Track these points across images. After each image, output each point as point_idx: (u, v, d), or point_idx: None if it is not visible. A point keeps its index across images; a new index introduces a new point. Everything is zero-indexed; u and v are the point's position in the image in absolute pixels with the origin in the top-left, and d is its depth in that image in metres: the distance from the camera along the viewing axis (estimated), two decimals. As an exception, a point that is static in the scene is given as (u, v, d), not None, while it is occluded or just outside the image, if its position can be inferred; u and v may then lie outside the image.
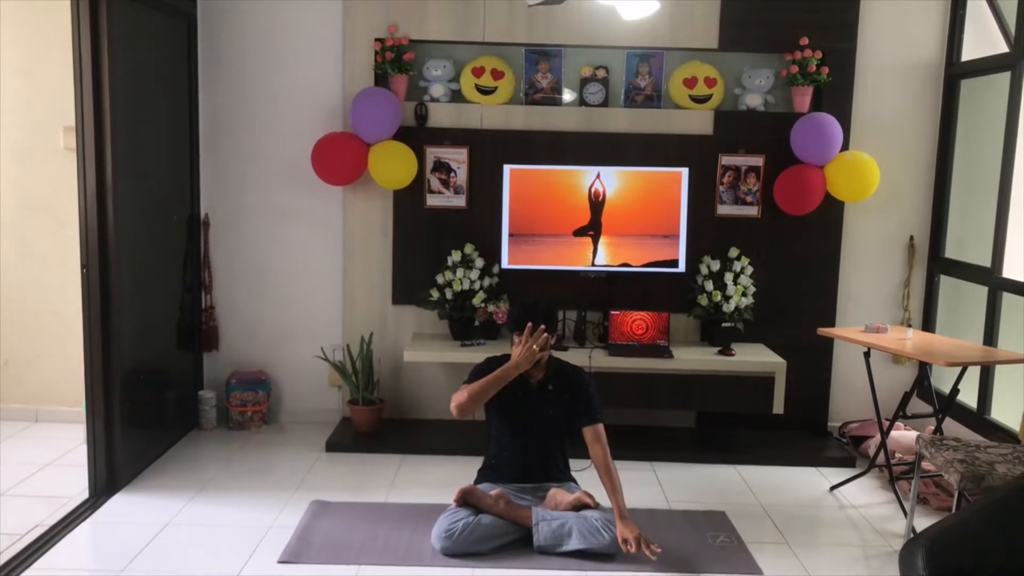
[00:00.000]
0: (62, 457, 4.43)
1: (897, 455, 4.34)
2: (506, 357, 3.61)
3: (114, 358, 3.96)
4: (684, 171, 4.70)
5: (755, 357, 4.60)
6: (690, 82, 4.78)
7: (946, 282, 4.93)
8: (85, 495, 3.90)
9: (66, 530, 3.58)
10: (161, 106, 4.50)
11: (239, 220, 4.95)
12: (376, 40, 4.72)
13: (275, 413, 5.06)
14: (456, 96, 4.84)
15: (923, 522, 3.49)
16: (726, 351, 4.63)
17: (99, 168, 3.84)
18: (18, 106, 4.74)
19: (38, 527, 3.58)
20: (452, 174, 4.81)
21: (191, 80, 4.76)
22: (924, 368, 4.30)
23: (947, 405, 4.08)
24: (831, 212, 4.83)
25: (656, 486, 4.26)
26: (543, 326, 3.51)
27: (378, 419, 4.80)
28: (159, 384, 4.55)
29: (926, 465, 3.87)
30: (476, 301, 4.69)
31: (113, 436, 3.98)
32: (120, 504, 3.88)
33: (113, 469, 3.99)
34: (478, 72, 4.77)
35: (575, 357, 4.40)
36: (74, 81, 3.79)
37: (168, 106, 4.58)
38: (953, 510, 3.44)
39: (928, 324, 4.97)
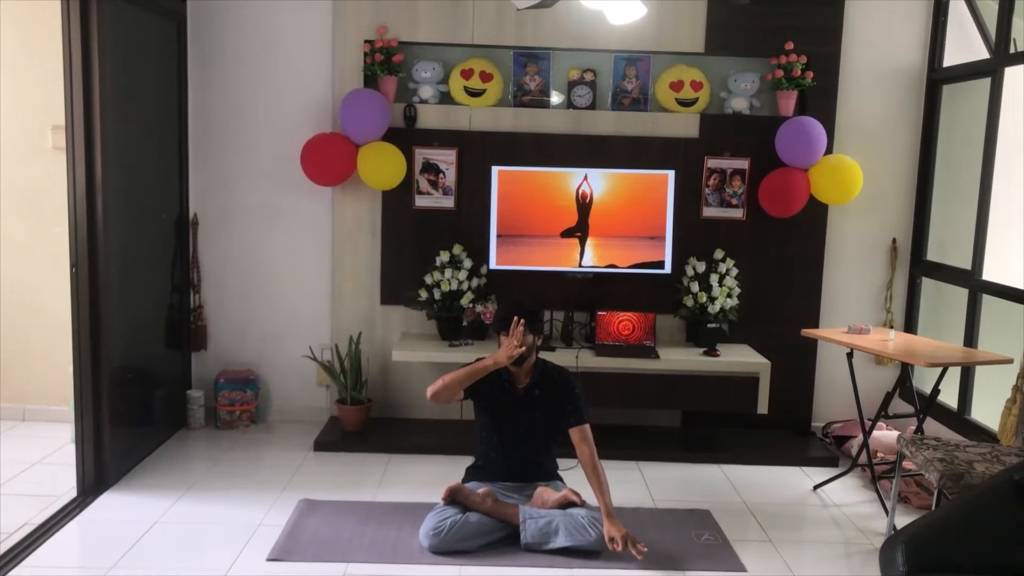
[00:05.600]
0: (50, 456, 4.43)
1: (879, 454, 4.40)
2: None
3: (103, 357, 3.96)
4: (670, 173, 4.75)
5: (740, 357, 4.65)
6: (676, 85, 4.83)
7: (927, 284, 5.00)
8: (73, 494, 3.91)
9: (54, 529, 3.59)
10: (151, 105, 4.50)
11: (228, 220, 4.96)
12: (365, 41, 4.75)
13: (263, 412, 5.07)
14: (445, 98, 4.87)
15: (904, 520, 3.53)
16: (711, 351, 4.67)
17: (88, 167, 3.85)
18: (6, 104, 4.73)
19: (26, 525, 3.59)
20: (441, 175, 4.84)
21: (181, 80, 4.77)
22: (906, 369, 4.36)
23: (928, 405, 4.14)
24: (815, 215, 4.88)
25: (642, 485, 4.30)
26: (517, 317, 3.54)
27: (366, 418, 4.82)
28: (147, 383, 4.55)
29: (907, 464, 3.93)
30: (464, 301, 4.72)
31: (101, 435, 3.99)
32: (108, 503, 3.89)
33: (101, 468, 4.00)
34: (467, 74, 4.80)
35: (562, 357, 4.44)
36: (64, 80, 3.80)
37: (158, 105, 4.59)
38: (933, 508, 3.50)
39: (910, 326, 5.04)
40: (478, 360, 3.64)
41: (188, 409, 4.89)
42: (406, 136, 4.79)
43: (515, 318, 3.54)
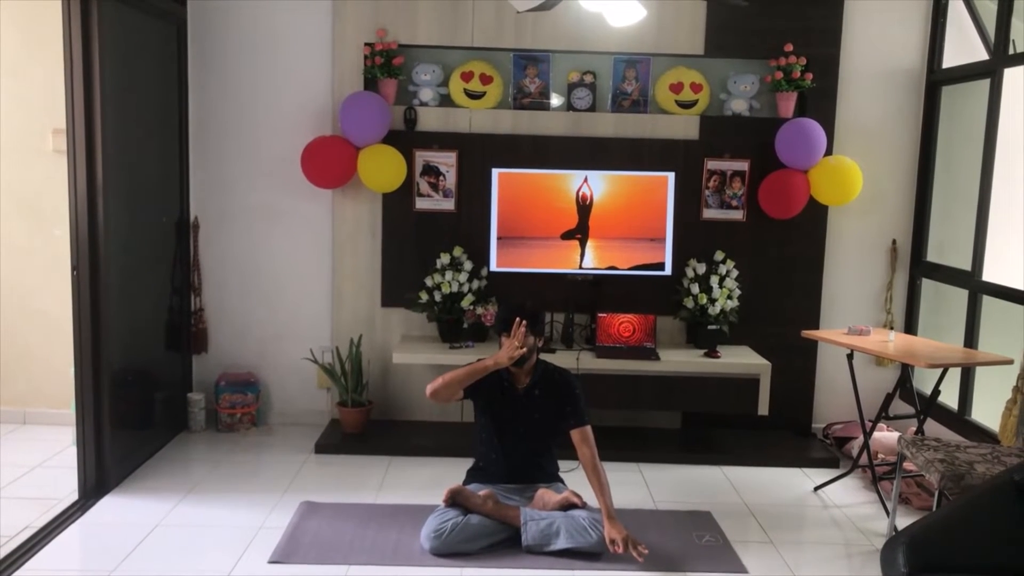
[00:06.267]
0: (51, 459, 4.43)
1: (880, 455, 4.40)
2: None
3: (104, 360, 3.97)
4: (670, 175, 4.76)
5: (740, 359, 4.66)
6: (676, 87, 4.84)
7: (927, 285, 5.00)
8: (75, 497, 3.91)
9: (56, 531, 3.59)
10: (151, 108, 4.51)
11: (228, 222, 4.97)
12: (365, 44, 4.76)
13: (264, 415, 5.07)
14: (445, 100, 4.88)
15: (905, 521, 3.53)
16: (711, 353, 4.68)
17: (89, 170, 3.86)
18: (6, 107, 4.74)
19: (28, 528, 3.59)
20: (441, 177, 4.85)
21: (181, 83, 4.78)
22: (906, 370, 4.37)
23: (928, 406, 4.14)
24: (815, 216, 4.89)
25: (643, 486, 4.30)
26: (518, 319, 3.54)
27: (367, 421, 4.82)
28: (148, 386, 4.56)
29: (908, 465, 3.93)
30: (465, 303, 4.72)
31: (102, 438, 3.99)
32: (110, 506, 3.89)
33: (103, 471, 4.00)
34: (467, 77, 4.81)
35: (563, 359, 4.44)
36: (65, 83, 3.80)
37: (158, 108, 4.59)
38: (933, 509, 3.50)
39: (910, 326, 5.04)
40: (479, 360, 3.64)
41: (189, 412, 4.89)
42: (406, 138, 4.79)
43: (517, 319, 3.55)
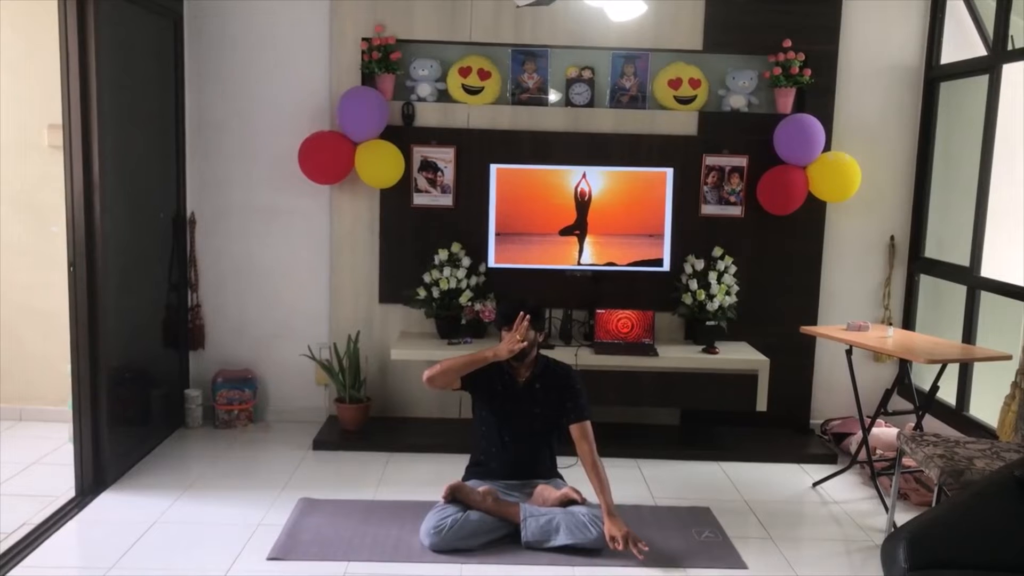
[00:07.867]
0: (47, 456, 4.41)
1: (878, 451, 4.40)
2: (495, 356, 3.64)
3: (101, 357, 3.95)
4: (669, 171, 4.75)
5: (738, 355, 4.65)
6: (675, 83, 4.83)
7: (926, 281, 5.01)
8: (71, 494, 3.89)
9: (53, 529, 3.58)
10: (148, 104, 4.49)
11: (226, 219, 4.95)
12: (363, 39, 4.74)
13: (261, 412, 5.06)
14: (443, 96, 4.86)
15: (904, 517, 3.54)
16: (710, 349, 4.68)
17: (86, 166, 3.84)
18: (2, 103, 4.71)
19: (25, 525, 3.57)
20: (439, 173, 4.83)
21: (178, 78, 4.75)
22: (904, 366, 4.38)
23: (927, 402, 4.15)
24: (813, 212, 4.89)
25: (642, 483, 4.30)
26: (522, 313, 3.55)
27: (365, 417, 4.81)
28: (145, 383, 4.54)
29: (907, 461, 3.94)
30: (463, 300, 4.71)
31: (99, 435, 3.97)
32: (107, 503, 3.88)
33: (99, 468, 3.98)
34: (465, 72, 4.79)
35: (561, 355, 4.42)
36: (61, 79, 3.78)
37: (155, 104, 4.57)
38: (933, 505, 3.51)
39: (908, 322, 5.04)
40: (479, 351, 3.64)
41: (186, 408, 4.88)
42: (404, 134, 4.78)
43: (520, 313, 3.54)
